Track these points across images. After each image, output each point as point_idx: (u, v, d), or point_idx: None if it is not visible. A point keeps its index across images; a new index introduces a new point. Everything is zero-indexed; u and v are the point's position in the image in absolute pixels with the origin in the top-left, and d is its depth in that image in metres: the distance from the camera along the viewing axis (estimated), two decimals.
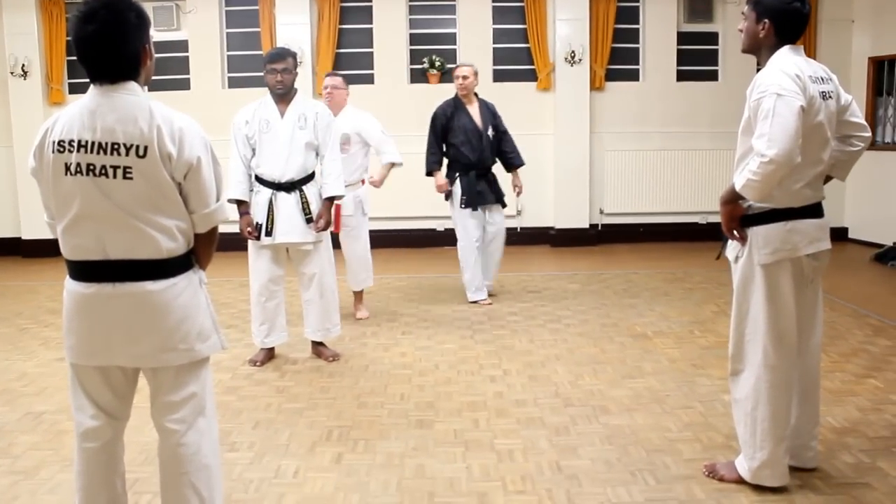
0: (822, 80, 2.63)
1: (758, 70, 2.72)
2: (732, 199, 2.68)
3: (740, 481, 2.81)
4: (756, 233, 2.68)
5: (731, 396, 2.88)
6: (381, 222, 7.90)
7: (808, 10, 2.66)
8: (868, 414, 3.48)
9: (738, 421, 2.83)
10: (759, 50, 2.72)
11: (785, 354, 2.71)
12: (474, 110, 5.66)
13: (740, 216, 2.70)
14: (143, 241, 2.10)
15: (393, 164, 5.39)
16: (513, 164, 5.81)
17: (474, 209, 5.62)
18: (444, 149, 5.68)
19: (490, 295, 5.81)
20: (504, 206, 5.83)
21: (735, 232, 2.72)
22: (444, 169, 5.69)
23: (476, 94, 5.73)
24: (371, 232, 5.48)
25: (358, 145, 5.23)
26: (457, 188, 5.63)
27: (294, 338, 4.64)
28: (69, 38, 7.92)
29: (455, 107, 5.66)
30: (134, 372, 2.28)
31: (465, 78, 5.58)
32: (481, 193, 5.62)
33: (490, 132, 5.66)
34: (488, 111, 5.72)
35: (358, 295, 5.46)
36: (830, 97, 2.64)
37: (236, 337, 4.81)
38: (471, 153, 5.59)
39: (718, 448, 3.14)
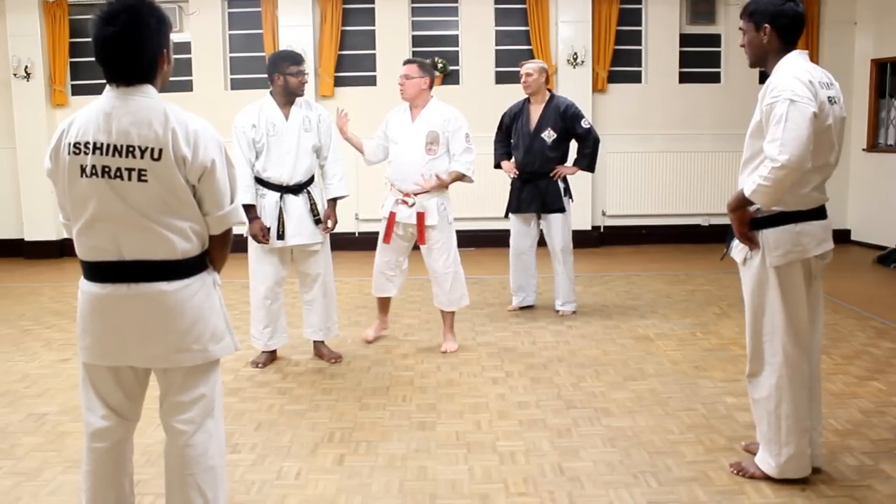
0: (828, 85, 2.67)
1: (762, 78, 2.74)
2: (741, 205, 2.70)
3: (765, 477, 2.83)
4: (766, 236, 2.71)
5: (750, 397, 2.90)
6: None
7: (801, 8, 2.71)
8: (870, 416, 3.48)
9: (760, 419, 2.85)
10: (766, 58, 2.74)
11: (802, 350, 2.76)
12: (537, 111, 5.29)
13: (750, 220, 2.72)
14: (158, 242, 2.12)
15: (463, 177, 4.51)
16: (575, 161, 5.37)
17: (505, 215, 5.48)
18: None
19: (571, 313, 5.40)
20: (556, 211, 5.30)
21: (749, 237, 2.73)
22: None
23: (551, 93, 5.37)
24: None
25: (444, 147, 4.50)
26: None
27: (296, 339, 4.65)
28: (72, 40, 7.96)
29: (521, 107, 5.39)
30: (145, 372, 2.30)
31: (528, 76, 5.24)
32: (522, 200, 5.34)
33: (548, 135, 5.25)
34: (556, 113, 5.25)
35: (449, 317, 4.73)
36: (835, 102, 2.68)
37: (240, 339, 4.79)
38: (520, 156, 5.33)
39: (721, 450, 3.14)
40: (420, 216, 4.49)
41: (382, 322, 4.96)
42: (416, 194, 4.49)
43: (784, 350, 2.74)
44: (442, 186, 4.48)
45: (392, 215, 4.57)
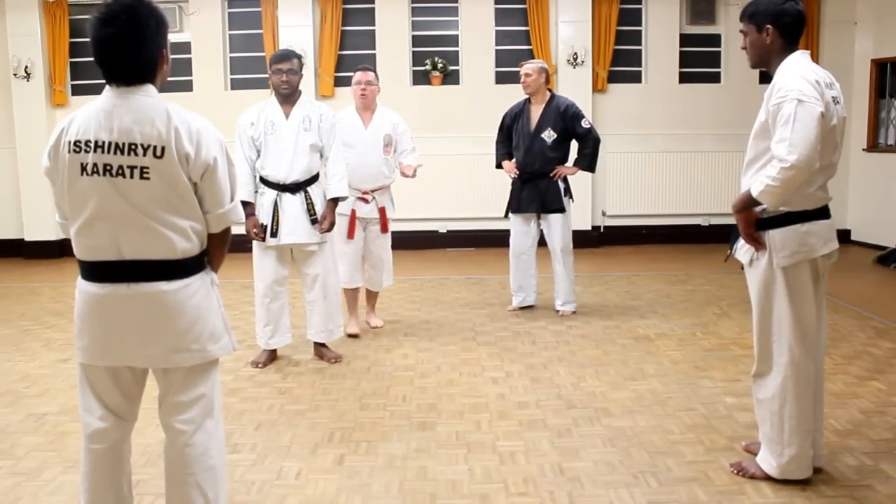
0: (830, 85, 2.67)
1: (763, 78, 2.74)
2: (747, 206, 2.69)
3: (766, 478, 2.83)
4: (772, 236, 2.70)
5: (754, 397, 2.90)
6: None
7: (801, 6, 2.71)
8: (871, 416, 3.48)
9: (763, 420, 2.85)
10: (769, 58, 2.74)
11: (809, 351, 2.75)
12: (537, 111, 5.32)
13: (756, 221, 2.71)
14: (158, 241, 2.12)
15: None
16: (575, 161, 5.38)
17: (505, 215, 5.50)
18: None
19: (569, 313, 5.39)
20: (555, 211, 5.31)
21: (755, 237, 2.72)
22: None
23: (551, 93, 5.41)
24: None
25: (394, 147, 5.00)
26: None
27: (296, 339, 4.64)
28: (72, 40, 7.96)
29: (522, 107, 5.41)
30: (143, 372, 2.29)
31: (527, 76, 5.28)
32: (523, 200, 5.35)
33: (548, 135, 5.26)
34: (556, 113, 5.27)
35: (376, 298, 5.32)
36: (838, 102, 2.68)
37: (238, 339, 4.79)
38: (520, 157, 5.33)
39: (721, 450, 3.14)
40: (382, 210, 4.97)
41: (356, 317, 5.14)
42: (374, 191, 4.90)
43: (791, 351, 2.73)
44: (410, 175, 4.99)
45: (353, 212, 4.89)
